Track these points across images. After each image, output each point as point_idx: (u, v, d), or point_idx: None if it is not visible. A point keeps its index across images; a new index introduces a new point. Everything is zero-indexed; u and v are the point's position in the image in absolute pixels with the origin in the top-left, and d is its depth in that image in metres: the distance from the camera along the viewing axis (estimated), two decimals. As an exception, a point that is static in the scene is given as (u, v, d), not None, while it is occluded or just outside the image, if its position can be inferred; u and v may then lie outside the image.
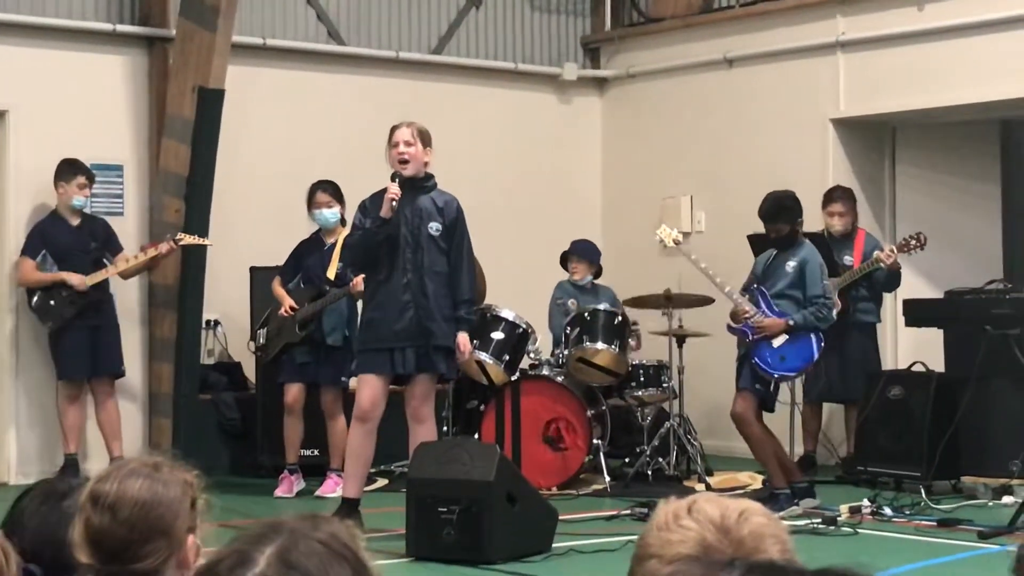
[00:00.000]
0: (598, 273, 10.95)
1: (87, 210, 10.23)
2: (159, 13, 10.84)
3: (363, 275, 8.81)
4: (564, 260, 10.93)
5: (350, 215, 9.45)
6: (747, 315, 8.86)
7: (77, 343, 9.98)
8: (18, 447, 10.35)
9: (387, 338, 8.01)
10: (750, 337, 8.85)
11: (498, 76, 12.62)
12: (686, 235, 12.18)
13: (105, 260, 10.10)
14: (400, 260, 8.00)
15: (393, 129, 8.15)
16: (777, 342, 8.80)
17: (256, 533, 2.04)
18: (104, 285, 10.09)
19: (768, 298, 8.90)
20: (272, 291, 10.09)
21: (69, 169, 10.07)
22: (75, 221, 10.13)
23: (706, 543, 1.99)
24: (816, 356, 8.91)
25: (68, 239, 10.07)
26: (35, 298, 10.05)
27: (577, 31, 13.17)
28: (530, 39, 12.87)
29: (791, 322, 8.77)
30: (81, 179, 10.07)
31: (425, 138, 8.12)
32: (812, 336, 8.85)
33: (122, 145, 10.72)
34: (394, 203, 7.91)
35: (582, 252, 10.86)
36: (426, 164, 8.12)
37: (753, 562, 1.92)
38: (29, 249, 10.09)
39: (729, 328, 9.10)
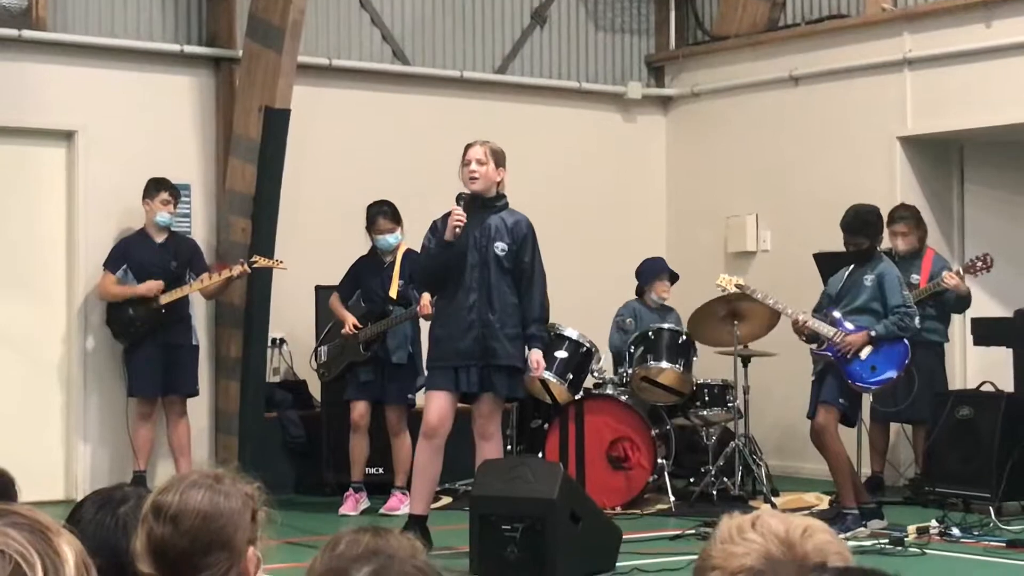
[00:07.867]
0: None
1: (175, 228, 10.32)
2: (226, 34, 10.94)
3: (430, 297, 8.90)
4: (645, 279, 10.83)
5: (408, 232, 9.49)
6: (829, 339, 8.79)
7: (149, 361, 10.03)
8: (89, 463, 10.44)
9: (451, 357, 8.04)
10: (835, 358, 8.77)
11: (562, 95, 12.62)
12: (751, 253, 12.17)
13: (189, 279, 10.14)
14: (467, 279, 8.02)
15: (467, 147, 8.16)
16: (864, 353, 8.76)
17: (356, 554, 2.16)
18: (182, 305, 10.10)
19: (840, 319, 8.84)
20: (331, 308, 10.12)
21: (154, 187, 10.17)
22: (160, 239, 10.20)
23: (771, 556, 1.98)
24: (908, 361, 8.84)
25: (149, 256, 10.14)
26: (111, 313, 10.16)
27: (641, 50, 13.15)
28: (594, 58, 12.87)
29: (873, 333, 8.73)
30: (164, 195, 10.15)
31: (498, 158, 8.13)
32: (900, 343, 8.81)
33: (189, 165, 10.81)
34: (458, 229, 7.93)
35: (664, 269, 10.81)
36: (498, 184, 8.14)
37: (843, 568, 1.92)
38: (111, 263, 10.19)
39: (813, 353, 9.00)
